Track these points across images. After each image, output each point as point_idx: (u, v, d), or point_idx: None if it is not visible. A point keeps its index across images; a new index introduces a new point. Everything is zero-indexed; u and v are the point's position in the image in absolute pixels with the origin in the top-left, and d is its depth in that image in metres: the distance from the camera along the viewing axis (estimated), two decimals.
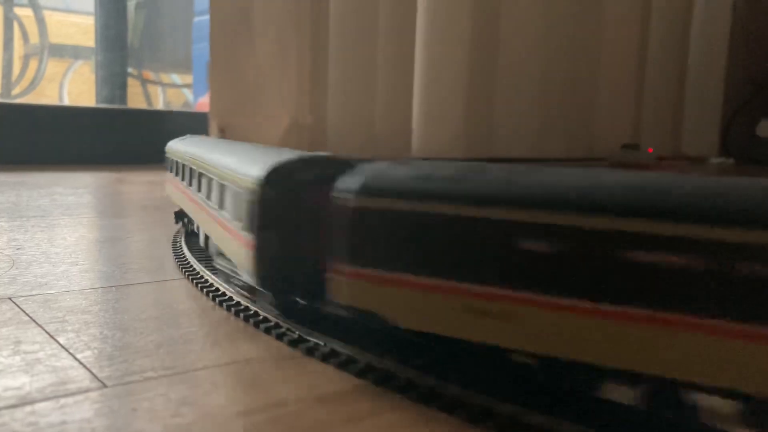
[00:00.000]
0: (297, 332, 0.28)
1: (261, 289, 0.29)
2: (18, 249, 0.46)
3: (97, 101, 1.56)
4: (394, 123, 1.39)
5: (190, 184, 0.43)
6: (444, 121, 1.45)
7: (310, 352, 0.27)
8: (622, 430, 0.20)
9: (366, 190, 0.24)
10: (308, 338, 0.28)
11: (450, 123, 1.47)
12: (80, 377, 0.24)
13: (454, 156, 1.46)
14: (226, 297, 0.34)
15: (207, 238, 0.41)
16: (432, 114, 1.44)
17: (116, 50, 1.57)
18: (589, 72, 1.70)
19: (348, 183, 0.24)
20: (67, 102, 1.72)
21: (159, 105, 1.79)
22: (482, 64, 1.50)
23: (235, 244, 0.30)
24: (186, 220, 0.50)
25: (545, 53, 1.61)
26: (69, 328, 0.29)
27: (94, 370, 0.24)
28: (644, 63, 1.84)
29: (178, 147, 0.49)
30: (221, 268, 0.38)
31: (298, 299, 0.30)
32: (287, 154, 0.29)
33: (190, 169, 0.43)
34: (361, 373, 0.25)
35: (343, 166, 0.26)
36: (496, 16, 1.51)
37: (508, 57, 1.54)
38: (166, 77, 1.84)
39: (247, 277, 0.29)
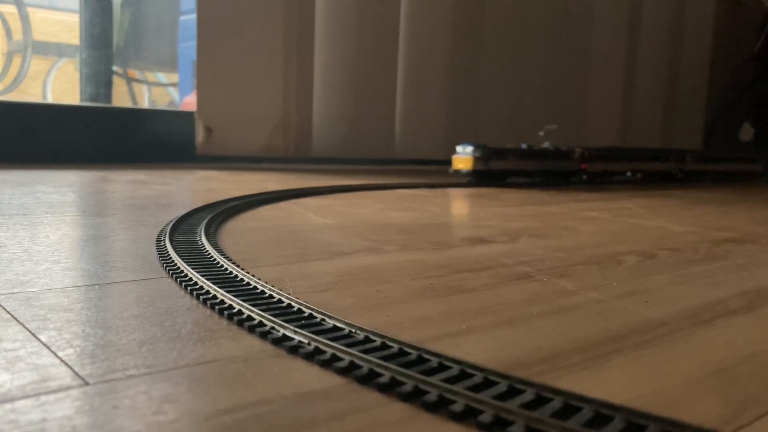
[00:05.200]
0: (281, 330, 0.28)
1: None
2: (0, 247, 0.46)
3: (82, 99, 1.54)
4: (378, 123, 1.40)
5: None
6: (426, 123, 1.45)
7: (294, 350, 0.27)
8: None
9: None
10: (292, 336, 0.28)
11: (431, 125, 1.47)
12: (61, 375, 0.24)
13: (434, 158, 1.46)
14: (210, 295, 0.34)
15: None
16: (415, 115, 1.45)
17: (101, 48, 1.56)
18: (580, 75, 1.71)
19: None
20: (50, 100, 1.71)
21: (144, 104, 1.78)
22: (465, 66, 1.51)
23: None
24: None
25: (534, 55, 1.62)
26: (51, 326, 0.29)
27: (75, 368, 0.24)
28: (633, 68, 1.85)
29: None
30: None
31: None
32: None
33: None
34: (344, 371, 0.25)
35: None
36: (481, 18, 1.52)
37: (492, 59, 1.55)
38: (151, 76, 1.83)
39: None
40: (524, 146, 1.29)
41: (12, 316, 0.30)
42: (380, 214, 0.73)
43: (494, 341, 0.30)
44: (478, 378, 0.24)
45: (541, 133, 1.37)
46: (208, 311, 0.32)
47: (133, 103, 1.73)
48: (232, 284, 0.35)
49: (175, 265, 0.40)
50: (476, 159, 1.20)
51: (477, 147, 1.20)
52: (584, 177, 1.38)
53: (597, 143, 1.64)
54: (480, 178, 1.22)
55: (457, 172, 1.23)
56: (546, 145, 1.34)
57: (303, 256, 0.47)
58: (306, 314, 0.31)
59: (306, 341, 0.27)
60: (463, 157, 1.22)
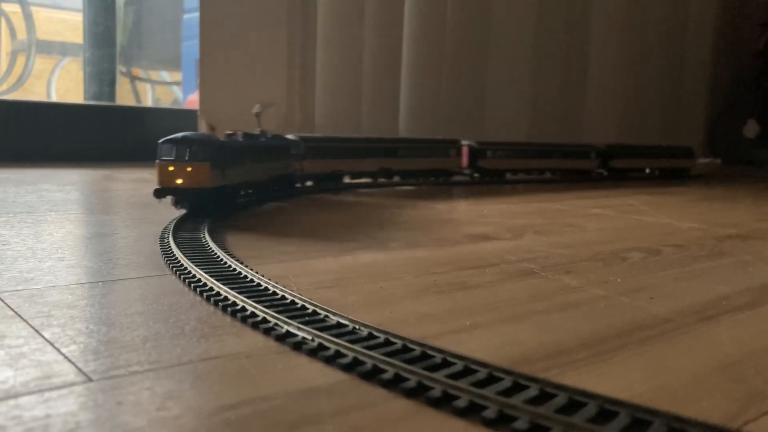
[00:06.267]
0: (285, 327, 0.28)
1: None
2: (3, 244, 0.46)
3: (86, 98, 1.54)
4: (381, 121, 1.39)
5: None
6: (430, 121, 1.45)
7: (298, 346, 0.27)
8: None
9: None
10: (296, 333, 0.28)
11: (436, 123, 1.47)
12: (65, 371, 0.24)
13: None
14: (214, 292, 0.34)
15: None
16: (419, 114, 1.44)
17: (105, 47, 1.56)
18: (580, 72, 1.71)
19: None
20: (54, 99, 1.71)
21: (148, 102, 1.78)
22: (470, 63, 1.50)
23: None
24: None
25: (537, 52, 1.61)
26: (54, 322, 0.29)
27: (79, 364, 0.24)
28: (635, 65, 1.85)
29: None
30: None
31: None
32: None
33: None
34: (348, 368, 0.25)
35: None
36: (486, 16, 1.51)
37: (499, 50, 1.54)
38: (155, 74, 1.83)
39: None
40: (239, 136, 0.68)
41: (16, 312, 0.30)
42: (384, 211, 0.73)
43: (498, 337, 0.30)
44: (482, 374, 0.24)
45: (255, 111, 0.88)
46: (212, 308, 0.32)
47: (136, 102, 1.73)
48: (235, 281, 0.35)
49: (179, 262, 0.40)
50: (211, 167, 0.56)
51: (201, 144, 0.57)
52: (307, 182, 0.92)
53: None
54: (212, 200, 0.58)
55: (173, 193, 0.56)
56: (259, 132, 0.78)
57: (307, 253, 0.47)
58: (310, 311, 0.31)
59: (310, 337, 0.27)
60: (181, 165, 0.55)
